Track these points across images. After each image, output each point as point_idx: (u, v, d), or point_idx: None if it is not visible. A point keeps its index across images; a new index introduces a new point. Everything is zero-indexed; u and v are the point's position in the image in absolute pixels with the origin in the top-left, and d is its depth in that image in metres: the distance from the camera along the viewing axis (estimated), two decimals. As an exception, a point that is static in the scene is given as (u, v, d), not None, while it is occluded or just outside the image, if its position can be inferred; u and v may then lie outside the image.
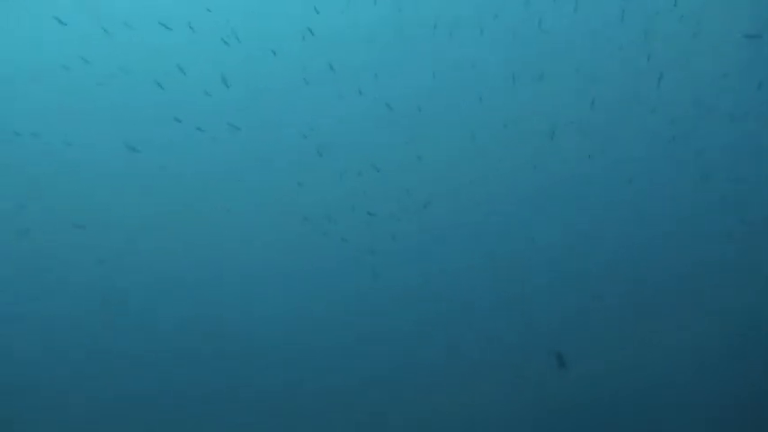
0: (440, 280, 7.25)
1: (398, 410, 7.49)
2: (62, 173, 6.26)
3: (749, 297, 7.61)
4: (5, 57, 5.64)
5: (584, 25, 6.43)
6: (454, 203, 7.01)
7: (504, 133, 6.75)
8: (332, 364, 7.42)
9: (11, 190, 6.14)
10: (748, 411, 7.74)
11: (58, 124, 6.09)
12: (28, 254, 6.36)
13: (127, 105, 6.10)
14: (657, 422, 7.77)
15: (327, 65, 6.21)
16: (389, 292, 7.25)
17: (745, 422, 7.73)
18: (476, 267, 7.21)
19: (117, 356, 7.08)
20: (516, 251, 7.23)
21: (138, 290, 6.82)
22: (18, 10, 5.33)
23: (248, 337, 7.29)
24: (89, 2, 5.48)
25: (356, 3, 6.04)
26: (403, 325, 7.42)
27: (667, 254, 7.39)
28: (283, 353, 7.38)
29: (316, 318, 7.26)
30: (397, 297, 7.27)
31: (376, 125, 6.67)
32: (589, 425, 7.71)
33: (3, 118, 5.92)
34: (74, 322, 6.78)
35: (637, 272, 7.47)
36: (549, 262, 7.28)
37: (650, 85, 6.86)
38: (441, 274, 7.25)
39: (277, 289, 7.12)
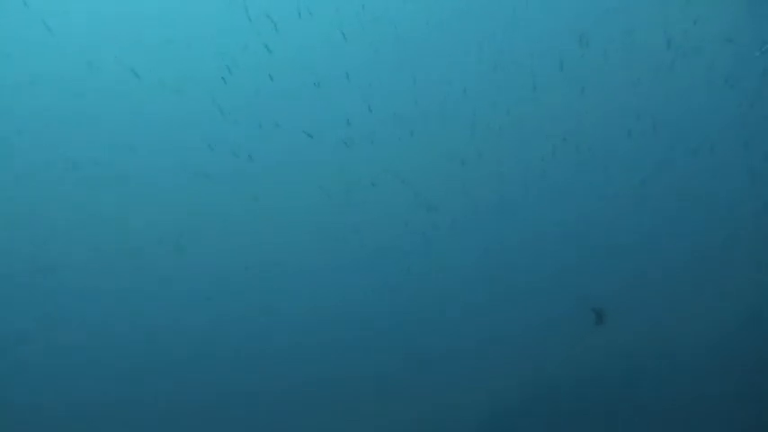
0: (479, 255, 7.47)
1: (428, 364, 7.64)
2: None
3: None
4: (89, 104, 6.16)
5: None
6: (491, 185, 7.34)
7: (518, 133, 7.19)
8: (383, 352, 7.63)
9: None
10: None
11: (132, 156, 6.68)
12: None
13: (194, 138, 6.75)
14: (692, 383, 7.26)
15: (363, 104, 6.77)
16: (428, 276, 7.40)
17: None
18: (517, 240, 7.39)
19: (150, 350, 7.33)
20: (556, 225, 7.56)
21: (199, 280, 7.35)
22: (97, 62, 5.90)
23: (276, 332, 7.68)
24: (160, 57, 6.03)
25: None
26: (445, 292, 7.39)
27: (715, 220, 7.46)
28: (329, 349, 7.78)
29: (349, 313, 7.65)
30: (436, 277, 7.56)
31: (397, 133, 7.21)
32: (620, 383, 7.58)
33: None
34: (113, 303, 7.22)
35: (686, 236, 7.55)
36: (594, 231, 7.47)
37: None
38: (478, 249, 7.44)
39: (316, 284, 7.60)
